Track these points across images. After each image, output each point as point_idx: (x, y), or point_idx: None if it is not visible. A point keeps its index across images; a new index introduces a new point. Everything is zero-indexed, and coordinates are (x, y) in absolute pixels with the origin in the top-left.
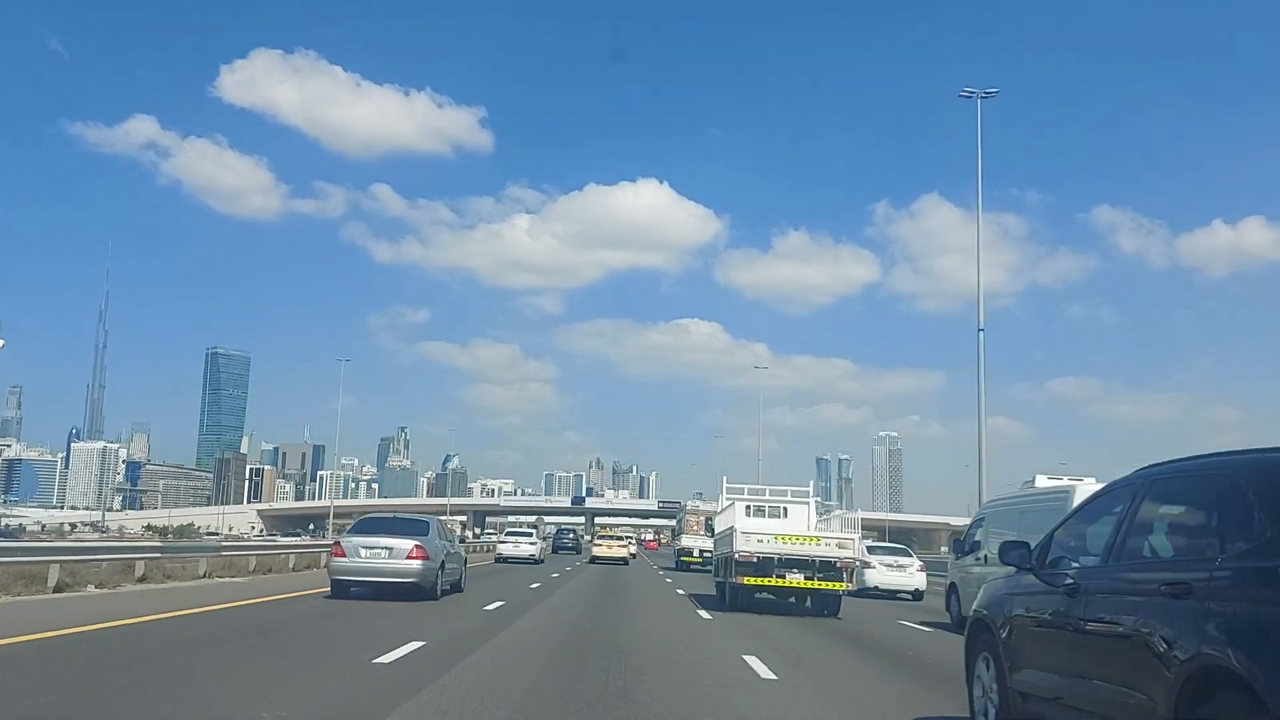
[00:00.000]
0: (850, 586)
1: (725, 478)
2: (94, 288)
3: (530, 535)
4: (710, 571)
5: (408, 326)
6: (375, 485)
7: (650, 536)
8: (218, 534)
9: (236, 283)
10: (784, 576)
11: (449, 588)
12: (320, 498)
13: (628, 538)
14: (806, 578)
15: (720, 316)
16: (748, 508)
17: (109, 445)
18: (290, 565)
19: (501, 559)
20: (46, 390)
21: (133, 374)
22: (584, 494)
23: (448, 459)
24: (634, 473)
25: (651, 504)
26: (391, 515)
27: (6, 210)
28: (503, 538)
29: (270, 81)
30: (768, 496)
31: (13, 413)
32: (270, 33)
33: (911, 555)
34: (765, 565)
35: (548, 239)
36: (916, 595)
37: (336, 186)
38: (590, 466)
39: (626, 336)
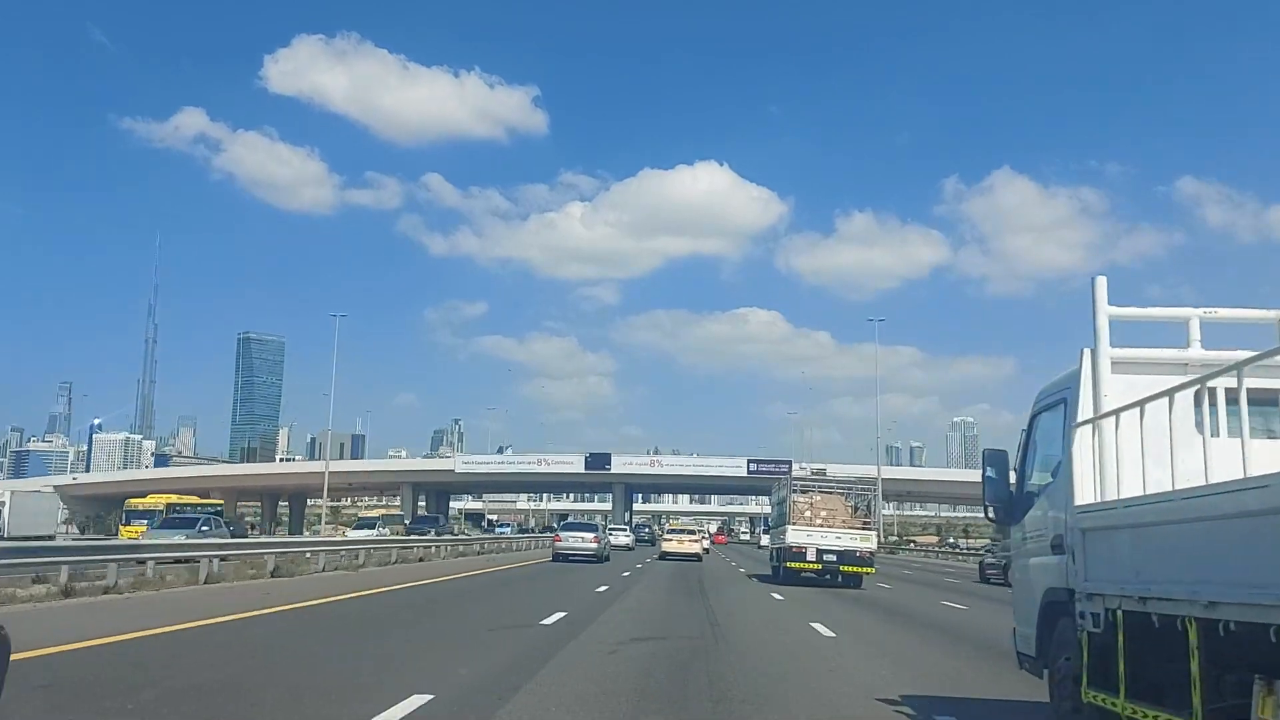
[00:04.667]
0: None
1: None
2: (150, 283)
3: (625, 529)
4: (828, 578)
5: (464, 321)
6: None
7: (715, 529)
8: None
9: (293, 278)
10: None
11: (607, 557)
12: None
13: (699, 531)
14: None
15: (780, 304)
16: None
17: (132, 437)
18: None
19: None
20: (98, 385)
21: (187, 369)
22: (608, 455)
23: (500, 450)
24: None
25: (735, 464)
26: (579, 521)
27: (59, 207)
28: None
29: (315, 69)
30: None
31: (62, 409)
32: (310, 17)
33: None
34: None
35: (602, 227)
36: None
37: (389, 177)
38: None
39: (684, 327)
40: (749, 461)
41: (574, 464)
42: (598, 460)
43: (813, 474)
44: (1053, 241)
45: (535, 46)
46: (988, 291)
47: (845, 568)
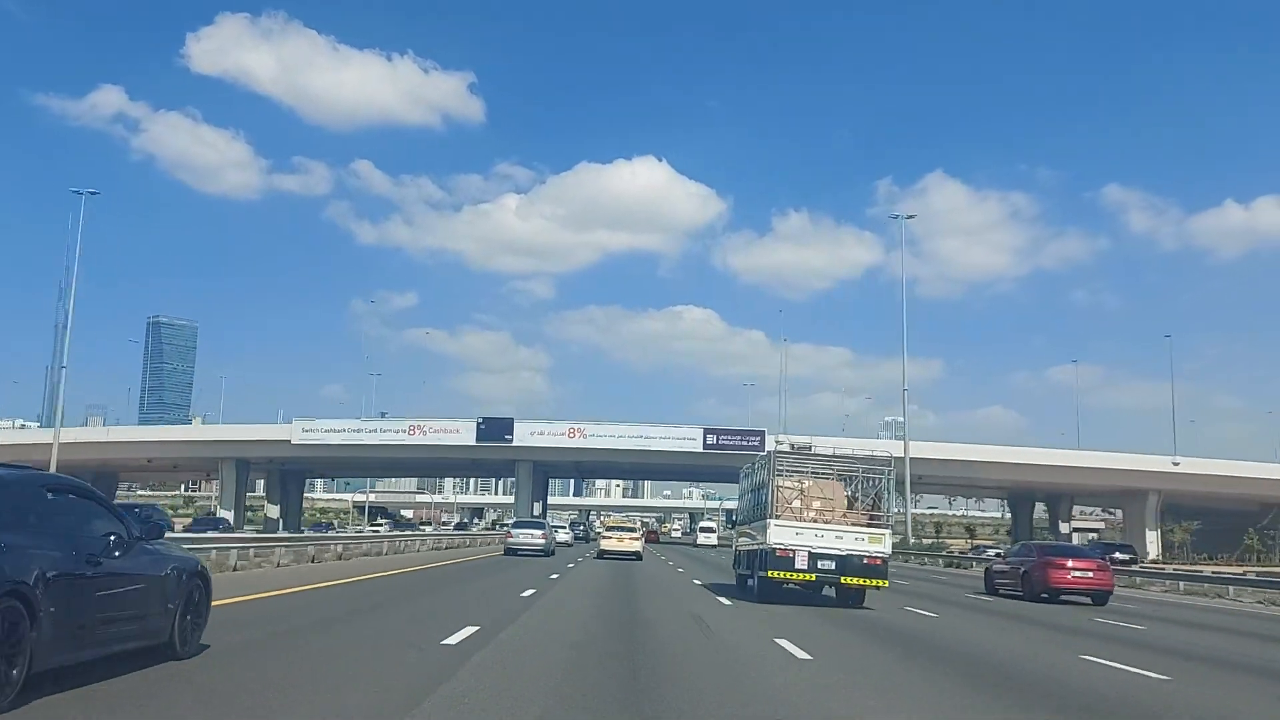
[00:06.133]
0: None
1: None
2: (61, 266)
3: (565, 527)
4: (812, 592)
5: (394, 312)
6: None
7: (647, 525)
8: None
9: (213, 264)
10: None
11: (552, 552)
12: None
13: (638, 529)
14: None
15: (715, 303)
16: None
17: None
18: None
19: None
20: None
21: (102, 356)
22: (509, 420)
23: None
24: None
25: (688, 435)
26: (529, 519)
27: None
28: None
29: (241, 48)
30: None
31: None
32: None
33: None
34: None
35: (538, 220)
36: None
37: (318, 162)
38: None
39: (619, 324)
40: (706, 432)
41: (462, 434)
42: (495, 428)
43: (795, 450)
44: (983, 244)
45: (472, 32)
46: (918, 293)
47: (846, 579)
